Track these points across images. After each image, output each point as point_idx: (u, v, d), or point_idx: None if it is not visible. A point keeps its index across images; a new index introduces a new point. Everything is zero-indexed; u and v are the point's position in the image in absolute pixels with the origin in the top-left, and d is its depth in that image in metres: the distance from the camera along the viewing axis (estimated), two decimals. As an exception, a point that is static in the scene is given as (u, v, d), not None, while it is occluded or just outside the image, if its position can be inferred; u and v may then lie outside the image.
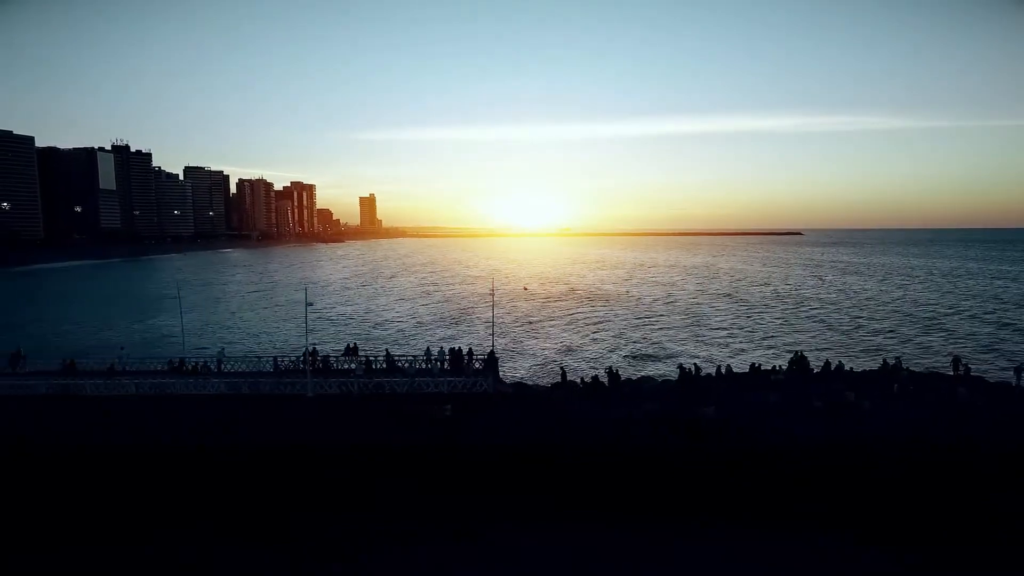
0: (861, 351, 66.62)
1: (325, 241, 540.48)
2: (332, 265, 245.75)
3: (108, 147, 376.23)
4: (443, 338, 73.93)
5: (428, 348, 42.43)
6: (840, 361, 45.24)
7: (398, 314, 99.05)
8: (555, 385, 41.07)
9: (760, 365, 43.89)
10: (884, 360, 45.03)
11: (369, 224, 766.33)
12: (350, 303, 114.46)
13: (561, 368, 49.50)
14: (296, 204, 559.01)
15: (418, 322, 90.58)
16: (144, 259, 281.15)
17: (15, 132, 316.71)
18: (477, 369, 38.24)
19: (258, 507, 27.93)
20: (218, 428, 32.86)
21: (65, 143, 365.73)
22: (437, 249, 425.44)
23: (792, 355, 45.25)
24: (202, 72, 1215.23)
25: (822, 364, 43.94)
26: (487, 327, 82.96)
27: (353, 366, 39.47)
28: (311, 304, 40.08)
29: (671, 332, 79.30)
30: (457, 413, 34.78)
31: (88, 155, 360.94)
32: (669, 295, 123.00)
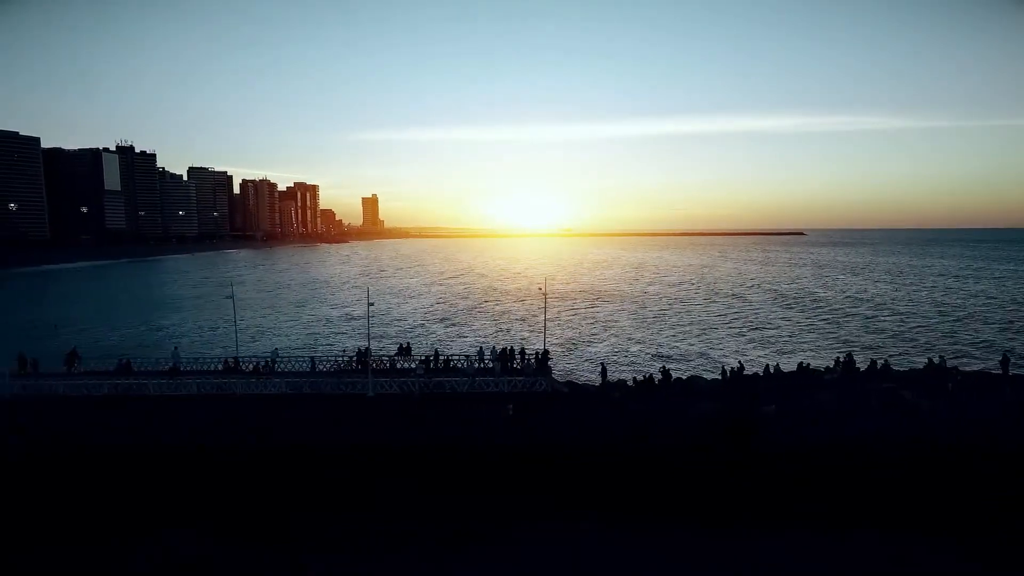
0: (901, 350, 66.78)
1: (328, 241, 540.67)
2: (343, 265, 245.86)
3: (112, 148, 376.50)
4: (483, 338, 74.20)
5: (481, 347, 42.74)
6: (886, 360, 45.64)
7: (424, 313, 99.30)
8: (609, 384, 41.35)
9: (808, 364, 44.22)
10: (930, 359, 45.39)
11: (372, 224, 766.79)
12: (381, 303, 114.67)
13: (602, 365, 49.74)
14: (299, 204, 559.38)
15: (450, 322, 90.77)
16: (151, 260, 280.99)
17: (21, 133, 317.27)
18: (536, 368, 38.52)
19: (334, 508, 28.19)
20: (282, 428, 33.15)
21: (67, 143, 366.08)
22: (442, 250, 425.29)
23: (840, 355, 45.66)
24: (203, 73, 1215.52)
25: (867, 363, 44.34)
26: (521, 326, 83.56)
27: (413, 365, 39.75)
28: (372, 304, 40.37)
29: (704, 332, 79.59)
30: (518, 412, 35.14)
31: (93, 156, 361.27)
32: (690, 295, 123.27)
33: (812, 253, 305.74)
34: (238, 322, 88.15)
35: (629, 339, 75.57)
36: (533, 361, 39.53)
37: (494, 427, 33.51)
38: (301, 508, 27.68)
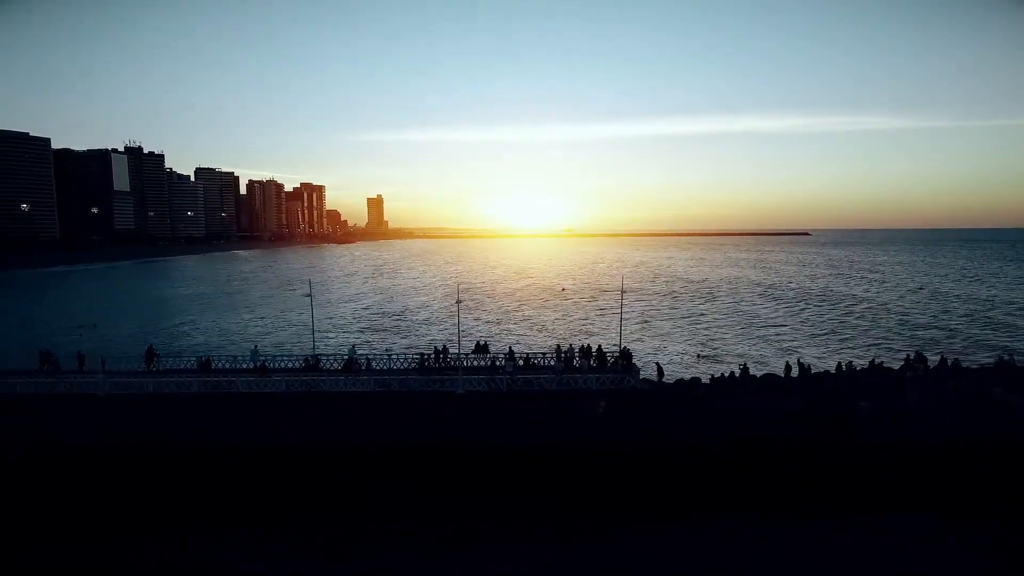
0: (960, 347, 66.77)
1: (335, 242, 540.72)
2: (358, 264, 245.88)
3: (121, 148, 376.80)
4: (553, 335, 74.26)
5: (558, 345, 42.83)
6: (956, 358, 45.76)
7: (489, 311, 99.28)
8: (683, 381, 41.44)
9: (882, 362, 44.33)
10: (1000, 356, 45.48)
11: (377, 225, 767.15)
12: (414, 302, 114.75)
13: (657, 364, 49.67)
14: (306, 205, 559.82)
15: (516, 320, 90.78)
16: (164, 260, 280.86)
17: (31, 134, 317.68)
18: (622, 365, 38.62)
19: (426, 507, 28.25)
20: (374, 426, 33.16)
21: (71, 144, 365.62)
22: (450, 250, 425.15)
23: (909, 353, 45.76)
24: (206, 73, 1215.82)
25: (937, 360, 44.43)
26: (570, 323, 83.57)
27: (497, 362, 39.85)
28: (460, 301, 40.45)
29: (756, 328, 79.67)
30: (608, 410, 35.25)
31: (102, 157, 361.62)
32: (714, 294, 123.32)
33: (825, 252, 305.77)
34: (284, 320, 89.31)
35: (684, 337, 75.62)
36: (618, 358, 39.58)
37: (588, 424, 33.61)
38: (411, 506, 27.86)
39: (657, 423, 33.14)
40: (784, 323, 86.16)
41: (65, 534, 26.43)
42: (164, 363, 41.99)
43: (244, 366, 41.19)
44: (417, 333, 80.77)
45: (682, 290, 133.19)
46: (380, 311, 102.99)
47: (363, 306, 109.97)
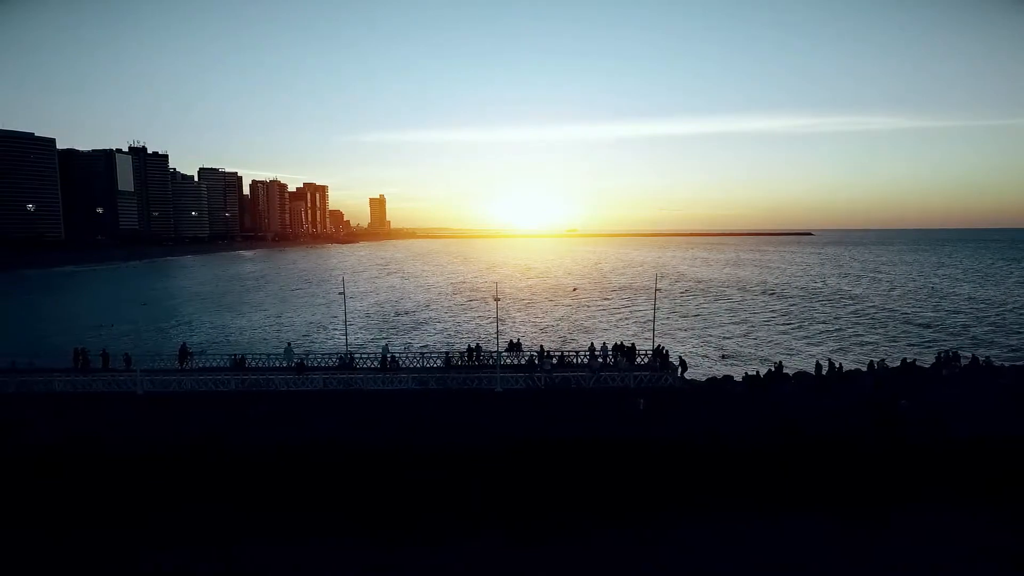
0: (983, 344, 66.71)
1: (338, 242, 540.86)
2: (366, 264, 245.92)
3: (125, 149, 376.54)
4: (585, 334, 74.20)
5: (592, 344, 42.80)
6: (988, 356, 45.71)
7: (520, 310, 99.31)
8: (723, 378, 41.40)
9: (914, 360, 44.29)
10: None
11: (380, 225, 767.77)
12: (438, 302, 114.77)
13: (681, 359, 49.59)
14: (309, 205, 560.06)
15: (549, 318, 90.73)
16: (170, 260, 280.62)
17: (36, 134, 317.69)
18: (660, 363, 38.57)
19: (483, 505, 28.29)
20: (416, 424, 33.10)
21: (73, 144, 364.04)
22: (455, 250, 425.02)
23: (940, 351, 45.71)
24: (207, 74, 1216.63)
25: (968, 359, 44.39)
26: (589, 322, 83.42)
27: (537, 361, 39.81)
28: (498, 299, 40.37)
29: (761, 327, 79.62)
30: (649, 407, 35.18)
31: (107, 157, 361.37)
32: (725, 293, 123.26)
33: (831, 253, 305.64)
34: (301, 318, 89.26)
35: (692, 335, 75.59)
36: (655, 356, 39.54)
37: (628, 421, 33.55)
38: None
39: (702, 420, 33.07)
40: (799, 322, 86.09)
41: (123, 529, 26.50)
42: (197, 361, 41.97)
43: (277, 364, 41.21)
44: (434, 331, 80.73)
45: (695, 289, 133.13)
46: (399, 309, 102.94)
47: (380, 304, 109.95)
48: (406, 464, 29.90)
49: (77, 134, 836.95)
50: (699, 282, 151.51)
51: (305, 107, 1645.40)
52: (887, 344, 69.07)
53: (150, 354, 47.39)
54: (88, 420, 33.36)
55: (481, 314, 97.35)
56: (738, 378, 42.63)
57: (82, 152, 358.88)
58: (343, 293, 43.77)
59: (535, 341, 67.35)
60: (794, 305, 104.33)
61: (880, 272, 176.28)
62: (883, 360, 43.75)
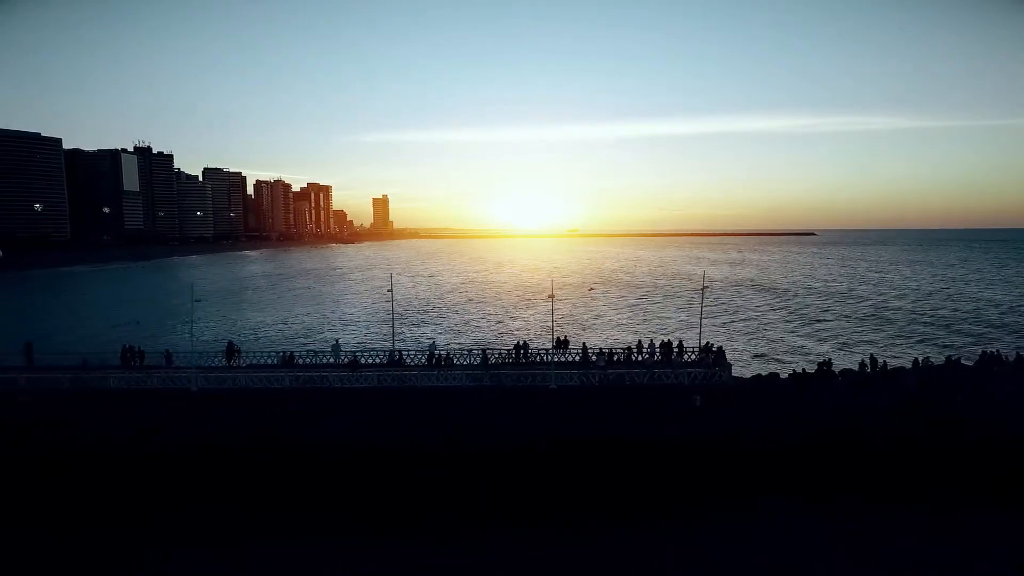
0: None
1: (342, 242, 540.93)
2: (379, 263, 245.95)
3: (130, 148, 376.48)
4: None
5: (639, 340, 42.87)
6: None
7: (562, 308, 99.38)
8: (768, 376, 41.45)
9: (959, 358, 44.32)
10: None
11: (383, 225, 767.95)
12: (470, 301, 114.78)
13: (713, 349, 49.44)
14: (313, 205, 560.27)
15: (593, 316, 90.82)
16: (178, 260, 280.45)
17: (42, 134, 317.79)
18: (713, 360, 38.62)
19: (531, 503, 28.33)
20: (472, 421, 33.12)
21: (77, 144, 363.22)
22: (460, 250, 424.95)
23: (985, 349, 45.76)
24: (209, 74, 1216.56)
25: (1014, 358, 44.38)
26: (618, 320, 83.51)
27: (588, 357, 39.89)
28: (552, 297, 40.40)
29: (785, 325, 79.67)
30: (705, 404, 35.24)
31: (112, 157, 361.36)
32: (742, 292, 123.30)
33: (837, 252, 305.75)
34: (331, 315, 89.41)
35: (721, 334, 75.64)
36: (708, 353, 39.59)
37: (687, 418, 33.60)
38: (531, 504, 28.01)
39: (758, 416, 33.15)
40: (820, 319, 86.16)
41: (200, 528, 26.53)
42: (245, 359, 42.03)
43: (327, 361, 41.29)
44: (470, 329, 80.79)
45: (712, 289, 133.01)
46: (424, 308, 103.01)
47: (408, 302, 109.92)
48: (464, 460, 29.92)
49: (78, 134, 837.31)
50: (714, 281, 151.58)
51: (306, 107, 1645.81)
52: (926, 343, 69.21)
53: (191, 352, 47.25)
54: (148, 416, 33.42)
55: (510, 312, 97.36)
56: (783, 375, 42.78)
57: (88, 152, 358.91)
58: (391, 290, 43.76)
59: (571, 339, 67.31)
60: (815, 302, 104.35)
61: (893, 272, 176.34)
62: (927, 358, 43.79)
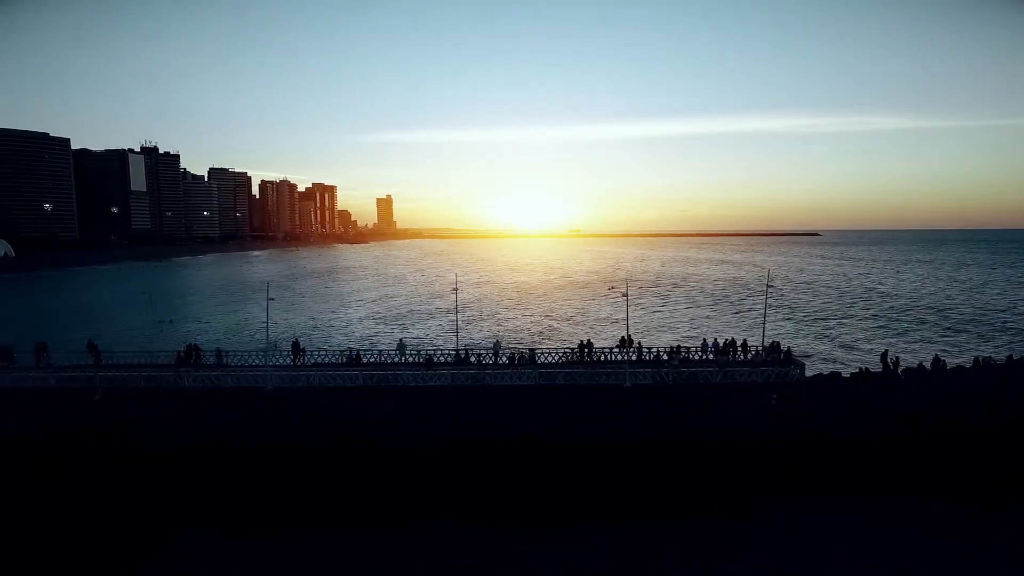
0: None
1: (347, 242, 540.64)
2: (396, 263, 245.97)
3: (136, 148, 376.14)
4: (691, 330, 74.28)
5: (704, 339, 42.92)
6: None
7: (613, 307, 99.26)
8: (830, 375, 41.50)
9: (1022, 356, 44.36)
10: None
11: (387, 225, 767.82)
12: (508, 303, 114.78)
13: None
14: (318, 205, 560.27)
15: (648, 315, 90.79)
16: (187, 259, 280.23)
17: (51, 134, 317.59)
18: (783, 359, 38.65)
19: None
20: (547, 418, 33.15)
21: (81, 144, 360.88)
22: (466, 250, 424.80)
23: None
24: (211, 74, 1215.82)
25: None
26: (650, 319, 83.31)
27: (660, 355, 39.95)
28: (626, 295, 40.46)
29: (811, 324, 79.71)
30: (780, 402, 35.26)
31: (120, 157, 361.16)
32: (760, 292, 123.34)
33: (845, 253, 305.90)
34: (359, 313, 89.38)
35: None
36: (780, 352, 39.64)
37: (765, 417, 33.64)
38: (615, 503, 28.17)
39: (841, 415, 33.16)
40: (852, 318, 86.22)
41: (302, 524, 26.60)
42: (310, 357, 42.06)
43: (393, 359, 41.34)
44: (507, 327, 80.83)
45: (729, 289, 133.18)
46: (443, 308, 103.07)
47: (436, 300, 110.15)
48: (544, 456, 29.99)
49: (84, 134, 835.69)
50: (729, 281, 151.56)
51: (306, 107, 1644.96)
52: (974, 341, 69.31)
53: (242, 351, 47.21)
54: (223, 415, 33.41)
55: (552, 311, 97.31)
56: (846, 374, 42.87)
57: (95, 152, 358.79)
58: (456, 289, 43.79)
59: (602, 337, 67.40)
60: (837, 301, 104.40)
61: (907, 270, 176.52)
62: (989, 356, 43.84)
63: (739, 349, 41.10)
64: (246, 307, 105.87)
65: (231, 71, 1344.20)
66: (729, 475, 29.81)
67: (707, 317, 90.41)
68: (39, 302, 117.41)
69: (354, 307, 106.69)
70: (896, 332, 76.69)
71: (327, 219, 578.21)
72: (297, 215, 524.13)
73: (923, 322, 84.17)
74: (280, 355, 41.51)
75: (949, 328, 79.19)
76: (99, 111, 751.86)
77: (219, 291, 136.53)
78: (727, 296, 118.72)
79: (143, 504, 27.68)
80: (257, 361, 41.36)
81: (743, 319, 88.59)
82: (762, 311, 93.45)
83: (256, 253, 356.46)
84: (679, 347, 41.86)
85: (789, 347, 40.45)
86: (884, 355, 41.88)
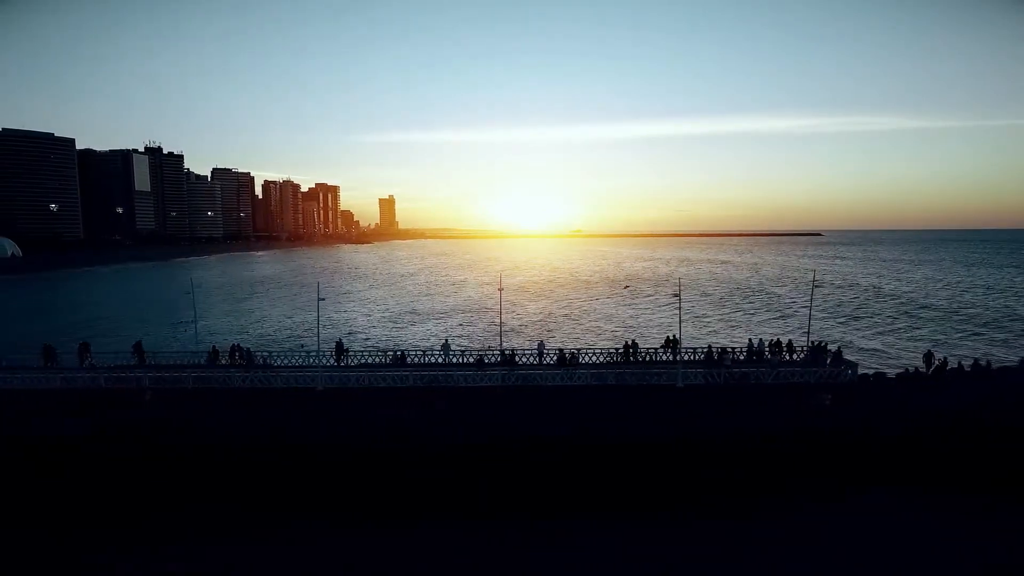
0: None
1: (351, 242, 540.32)
2: (406, 264, 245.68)
3: (140, 148, 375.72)
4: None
5: (750, 340, 42.84)
6: None
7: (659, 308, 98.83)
8: (875, 375, 41.41)
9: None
10: None
11: (389, 225, 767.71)
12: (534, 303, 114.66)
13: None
14: (321, 205, 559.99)
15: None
16: (194, 260, 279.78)
17: (56, 135, 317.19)
18: (834, 359, 38.55)
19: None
20: (599, 417, 33.06)
21: (84, 144, 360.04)
22: (470, 250, 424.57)
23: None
24: (213, 75, 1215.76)
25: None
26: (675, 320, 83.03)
27: (711, 355, 39.86)
28: (678, 295, 40.36)
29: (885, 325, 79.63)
30: (835, 403, 35.14)
31: (124, 157, 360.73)
32: (776, 292, 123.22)
33: (851, 253, 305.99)
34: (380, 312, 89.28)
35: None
36: (814, 353, 39.57)
37: (822, 417, 33.55)
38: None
39: (900, 415, 33.05)
40: (909, 316, 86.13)
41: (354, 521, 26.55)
42: (355, 358, 41.97)
43: (437, 360, 41.23)
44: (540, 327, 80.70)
45: (747, 289, 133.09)
46: (464, 308, 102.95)
47: (457, 301, 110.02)
48: (597, 456, 29.96)
49: (86, 134, 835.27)
50: (743, 281, 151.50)
51: (308, 108, 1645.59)
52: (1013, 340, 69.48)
53: (270, 351, 46.97)
54: (274, 416, 33.28)
55: (574, 313, 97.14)
56: (890, 375, 42.79)
57: (99, 152, 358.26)
58: (501, 289, 43.66)
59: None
60: (856, 301, 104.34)
61: (910, 271, 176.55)
62: (1031, 356, 43.67)
63: (784, 349, 40.99)
64: (263, 305, 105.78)
65: (234, 72, 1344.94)
66: (802, 473, 29.92)
67: (744, 317, 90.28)
68: (63, 301, 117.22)
69: (386, 307, 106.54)
70: (931, 332, 76.61)
71: (330, 219, 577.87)
72: (300, 215, 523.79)
73: (956, 321, 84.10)
74: (324, 356, 41.35)
75: (985, 327, 79.20)
76: (103, 111, 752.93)
77: (234, 290, 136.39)
78: (754, 295, 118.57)
79: (206, 503, 27.64)
80: (300, 361, 41.23)
81: (780, 319, 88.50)
82: (795, 310, 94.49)
83: (260, 254, 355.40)
84: (730, 348, 41.72)
85: (839, 347, 40.31)
86: (928, 355, 41.78)
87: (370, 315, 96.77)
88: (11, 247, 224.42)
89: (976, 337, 72.91)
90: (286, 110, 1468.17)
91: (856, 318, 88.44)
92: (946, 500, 28.48)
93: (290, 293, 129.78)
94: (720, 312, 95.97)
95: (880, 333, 76.36)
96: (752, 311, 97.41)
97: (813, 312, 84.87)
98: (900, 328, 79.69)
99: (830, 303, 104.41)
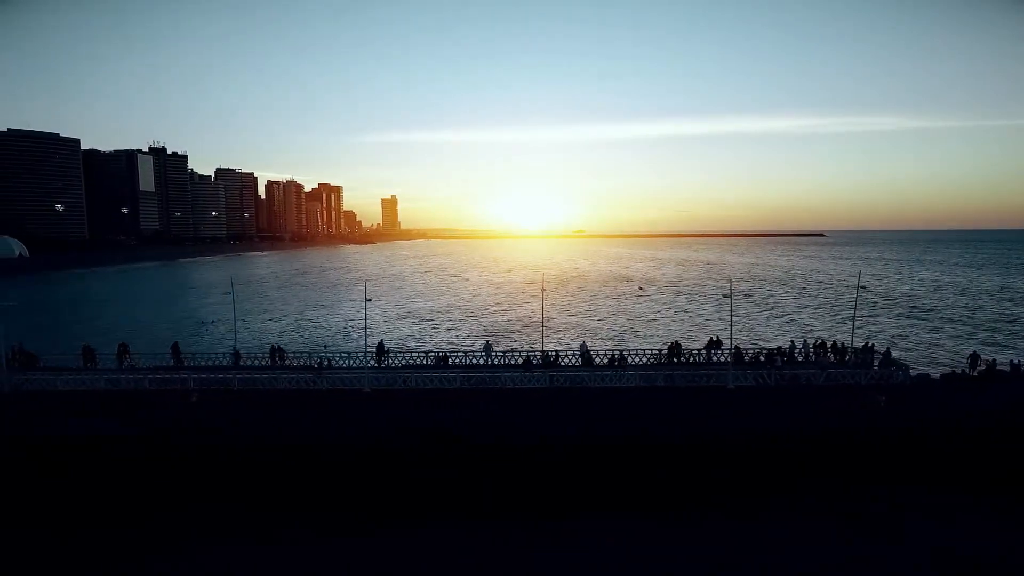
0: None
1: (354, 242, 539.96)
2: (415, 264, 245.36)
3: (144, 149, 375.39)
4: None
5: (792, 341, 42.45)
6: None
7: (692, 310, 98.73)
8: (917, 377, 41.05)
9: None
10: None
11: (391, 226, 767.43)
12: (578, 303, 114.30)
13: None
14: (324, 206, 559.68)
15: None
16: (200, 261, 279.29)
17: (61, 135, 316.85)
18: (884, 360, 38.16)
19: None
20: (651, 418, 32.73)
21: (87, 144, 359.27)
22: (474, 251, 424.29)
23: None
24: (214, 75, 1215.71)
25: None
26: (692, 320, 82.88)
27: (758, 357, 39.48)
28: (728, 296, 39.98)
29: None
30: (889, 404, 34.74)
31: (128, 157, 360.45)
32: (791, 292, 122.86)
33: (855, 254, 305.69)
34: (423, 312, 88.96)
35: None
36: (862, 354, 39.22)
37: (869, 418, 33.18)
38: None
39: (956, 415, 32.68)
40: (952, 319, 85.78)
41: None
42: (396, 359, 41.60)
43: (479, 361, 40.86)
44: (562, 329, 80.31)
45: (760, 289, 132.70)
46: (479, 310, 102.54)
47: (477, 302, 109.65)
48: (645, 457, 29.67)
49: (89, 134, 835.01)
50: (759, 281, 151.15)
51: (310, 108, 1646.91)
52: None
53: (299, 353, 46.38)
54: (336, 415, 32.95)
55: (596, 315, 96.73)
56: (934, 375, 42.45)
57: (104, 152, 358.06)
58: (544, 289, 43.27)
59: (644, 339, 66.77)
60: (874, 303, 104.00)
61: (918, 271, 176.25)
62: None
63: (828, 350, 40.61)
64: (279, 307, 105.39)
65: (236, 72, 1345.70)
66: (871, 474, 29.69)
67: (784, 317, 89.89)
68: (83, 301, 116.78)
69: (416, 308, 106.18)
70: (972, 332, 76.26)
71: (333, 219, 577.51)
72: (304, 215, 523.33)
73: (996, 322, 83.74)
74: (366, 357, 40.96)
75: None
76: (107, 112, 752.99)
77: (247, 290, 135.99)
78: (787, 294, 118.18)
79: (254, 504, 27.37)
80: (345, 363, 40.89)
81: (821, 319, 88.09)
82: (830, 309, 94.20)
83: (263, 254, 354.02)
84: (780, 348, 41.31)
85: (888, 348, 39.91)
86: (973, 357, 41.40)
87: (395, 316, 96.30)
88: (19, 247, 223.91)
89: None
90: (288, 110, 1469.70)
91: (904, 318, 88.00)
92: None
93: (318, 293, 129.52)
94: (759, 311, 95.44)
95: (902, 335, 75.94)
96: (794, 311, 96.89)
97: (839, 313, 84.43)
98: (918, 329, 79.29)
99: (866, 303, 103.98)
